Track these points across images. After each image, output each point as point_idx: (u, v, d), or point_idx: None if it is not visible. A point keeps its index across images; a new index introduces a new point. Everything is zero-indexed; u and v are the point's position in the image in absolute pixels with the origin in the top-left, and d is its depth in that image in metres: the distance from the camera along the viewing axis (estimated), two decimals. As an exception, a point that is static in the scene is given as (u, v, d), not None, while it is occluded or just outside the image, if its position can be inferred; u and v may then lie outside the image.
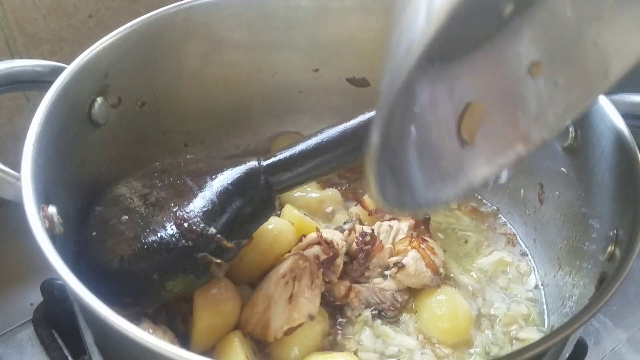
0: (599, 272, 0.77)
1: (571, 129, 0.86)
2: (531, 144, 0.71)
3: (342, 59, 1.08)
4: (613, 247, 0.75)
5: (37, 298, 0.98)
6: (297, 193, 1.02)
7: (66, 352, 0.93)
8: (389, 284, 0.91)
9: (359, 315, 0.89)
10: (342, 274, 0.91)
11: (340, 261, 0.90)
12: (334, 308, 0.90)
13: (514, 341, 0.90)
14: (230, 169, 0.83)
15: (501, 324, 0.91)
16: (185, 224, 0.76)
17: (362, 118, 0.82)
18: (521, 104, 0.72)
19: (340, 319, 0.89)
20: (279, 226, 0.91)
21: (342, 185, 1.09)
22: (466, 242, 1.02)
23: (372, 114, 0.81)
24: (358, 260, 0.92)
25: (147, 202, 0.81)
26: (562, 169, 0.90)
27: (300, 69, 1.09)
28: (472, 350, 0.88)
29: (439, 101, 0.70)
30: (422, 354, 0.86)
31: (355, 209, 1.01)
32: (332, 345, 0.86)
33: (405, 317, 0.90)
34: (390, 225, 0.95)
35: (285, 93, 1.12)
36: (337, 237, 0.90)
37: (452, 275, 0.97)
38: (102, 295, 0.60)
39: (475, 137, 0.71)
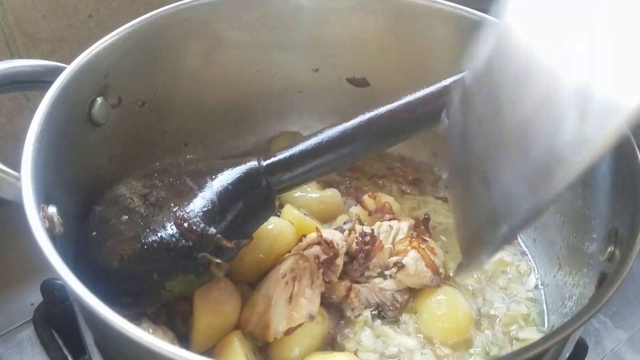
0: (599, 272, 0.77)
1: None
2: None
3: (342, 59, 1.08)
4: (613, 247, 0.74)
5: (37, 298, 0.98)
6: (297, 193, 1.02)
7: (66, 352, 0.93)
8: (389, 284, 0.91)
9: (359, 315, 0.89)
10: (342, 274, 0.91)
11: (340, 261, 0.90)
12: (334, 308, 0.90)
13: (514, 341, 0.90)
14: (230, 169, 0.83)
15: (501, 324, 0.91)
16: (185, 224, 0.76)
17: (362, 118, 0.82)
18: None
19: (340, 319, 0.89)
20: (279, 226, 0.91)
21: (342, 185, 1.09)
22: (466, 242, 1.02)
23: (371, 113, 0.82)
24: (358, 260, 0.92)
25: (147, 202, 0.81)
26: (562, 169, 0.90)
27: (300, 69, 1.09)
28: (472, 350, 0.88)
29: None
30: (422, 354, 0.86)
31: (355, 209, 1.01)
32: (332, 345, 0.86)
33: (405, 317, 0.90)
34: (390, 226, 0.95)
35: (285, 93, 1.12)
36: (337, 237, 0.90)
37: (451, 275, 0.96)
38: (102, 296, 0.60)
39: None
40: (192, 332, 0.81)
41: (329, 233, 0.91)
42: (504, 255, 1.00)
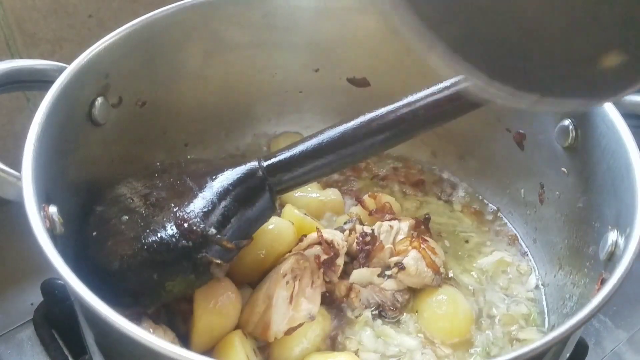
0: (599, 272, 0.77)
1: (572, 128, 0.86)
2: None
3: (342, 59, 1.08)
4: (613, 247, 0.74)
5: (37, 298, 0.98)
6: (297, 193, 1.02)
7: (66, 352, 0.93)
8: (389, 284, 0.91)
9: (360, 315, 0.89)
10: (343, 274, 0.91)
11: (340, 261, 0.90)
12: (335, 308, 0.90)
13: (514, 341, 0.90)
14: (230, 169, 0.83)
15: (501, 324, 0.91)
16: (186, 224, 0.76)
17: (362, 118, 0.82)
18: None
19: (340, 319, 0.89)
20: (280, 226, 0.91)
21: (342, 185, 1.09)
22: (467, 242, 1.02)
23: (372, 114, 0.82)
24: (358, 260, 0.92)
25: (147, 202, 0.81)
26: (563, 169, 0.90)
27: (300, 69, 1.09)
28: (472, 350, 0.88)
29: None
30: (422, 354, 0.86)
31: (356, 209, 1.01)
32: (333, 345, 0.86)
33: (405, 317, 0.90)
34: (390, 225, 0.95)
35: (285, 93, 1.12)
36: (337, 237, 0.90)
37: (451, 275, 0.97)
38: (103, 295, 0.60)
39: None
40: (192, 331, 0.81)
41: (329, 233, 0.91)
42: (505, 255, 1.00)
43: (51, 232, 0.67)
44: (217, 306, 0.81)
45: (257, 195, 0.82)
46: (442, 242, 1.01)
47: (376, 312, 0.90)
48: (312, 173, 0.83)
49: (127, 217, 0.80)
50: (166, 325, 0.81)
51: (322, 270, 0.87)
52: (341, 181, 1.10)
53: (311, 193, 1.03)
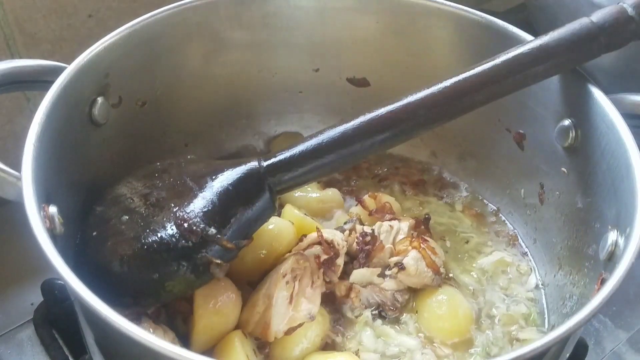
0: (599, 272, 0.77)
1: (572, 128, 0.86)
2: None
3: (342, 59, 1.08)
4: (613, 247, 0.74)
5: (37, 298, 0.98)
6: (297, 193, 1.02)
7: (67, 352, 0.93)
8: (389, 284, 0.91)
9: (360, 315, 0.89)
10: (343, 274, 0.91)
11: (340, 261, 0.90)
12: (335, 308, 0.90)
13: (514, 341, 0.90)
14: (230, 169, 0.83)
15: (501, 324, 0.91)
16: (185, 224, 0.76)
17: (362, 118, 0.82)
18: None
19: (340, 319, 0.89)
20: (279, 226, 0.91)
21: (342, 185, 1.09)
22: (467, 242, 1.02)
23: (372, 114, 0.82)
24: (358, 260, 0.92)
25: (147, 202, 0.81)
26: (563, 168, 0.90)
27: (300, 69, 1.09)
28: (472, 350, 0.88)
29: None
30: (422, 354, 0.86)
31: (356, 209, 1.01)
32: (333, 345, 0.86)
33: (405, 317, 0.90)
34: (390, 225, 0.95)
35: (285, 93, 1.12)
36: (337, 237, 0.90)
37: (451, 275, 0.97)
38: (103, 295, 0.60)
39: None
40: (192, 331, 0.81)
41: (329, 233, 0.91)
42: (505, 255, 1.00)
43: (51, 232, 0.67)
44: (217, 306, 0.81)
45: (257, 195, 0.82)
46: (443, 242, 1.01)
47: (376, 312, 0.90)
48: (312, 173, 0.83)
49: (127, 217, 0.80)
50: (166, 325, 0.81)
51: (322, 270, 0.87)
52: (341, 181, 1.10)
53: (311, 193, 1.03)
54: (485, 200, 1.09)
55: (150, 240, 0.76)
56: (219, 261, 0.77)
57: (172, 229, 0.76)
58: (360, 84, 1.10)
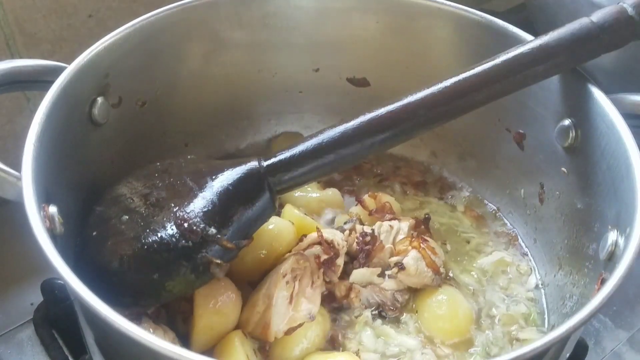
0: (599, 272, 0.77)
1: (572, 128, 0.86)
2: None
3: (342, 59, 1.08)
4: (613, 247, 0.74)
5: (37, 298, 0.98)
6: (297, 193, 1.02)
7: (66, 352, 0.93)
8: (389, 284, 0.91)
9: (360, 315, 0.89)
10: (343, 274, 0.91)
11: (340, 261, 0.90)
12: (335, 308, 0.90)
13: (514, 341, 0.90)
14: (230, 169, 0.83)
15: (501, 324, 0.91)
16: (186, 224, 0.76)
17: (362, 118, 0.82)
18: None
19: (340, 319, 0.89)
20: (280, 226, 0.91)
21: (342, 185, 1.09)
22: (468, 242, 1.02)
23: (372, 114, 0.82)
24: (358, 260, 0.92)
25: (147, 202, 0.81)
26: (563, 168, 0.90)
27: (300, 69, 1.09)
28: (472, 350, 0.88)
29: None
30: (422, 354, 0.86)
31: (356, 209, 1.01)
32: (333, 345, 0.86)
33: (405, 317, 0.90)
34: (390, 225, 0.95)
35: (285, 93, 1.12)
36: (337, 237, 0.90)
37: (451, 275, 0.97)
38: (103, 295, 0.60)
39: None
40: (192, 331, 0.81)
41: (329, 233, 0.91)
42: (505, 255, 1.00)
43: (51, 232, 0.67)
44: (217, 306, 0.81)
45: (257, 195, 0.82)
46: (443, 243, 1.01)
47: (376, 312, 0.90)
48: (312, 173, 0.83)
49: (127, 217, 0.80)
50: (166, 325, 0.81)
51: (322, 270, 0.87)
52: (341, 181, 1.10)
53: (311, 193, 1.03)
54: (485, 200, 1.09)
55: (150, 240, 0.76)
56: (219, 261, 0.76)
57: (172, 229, 0.76)
58: (360, 84, 1.10)
